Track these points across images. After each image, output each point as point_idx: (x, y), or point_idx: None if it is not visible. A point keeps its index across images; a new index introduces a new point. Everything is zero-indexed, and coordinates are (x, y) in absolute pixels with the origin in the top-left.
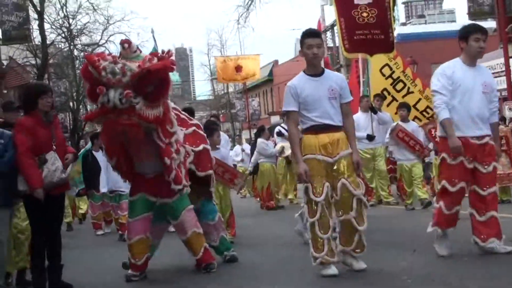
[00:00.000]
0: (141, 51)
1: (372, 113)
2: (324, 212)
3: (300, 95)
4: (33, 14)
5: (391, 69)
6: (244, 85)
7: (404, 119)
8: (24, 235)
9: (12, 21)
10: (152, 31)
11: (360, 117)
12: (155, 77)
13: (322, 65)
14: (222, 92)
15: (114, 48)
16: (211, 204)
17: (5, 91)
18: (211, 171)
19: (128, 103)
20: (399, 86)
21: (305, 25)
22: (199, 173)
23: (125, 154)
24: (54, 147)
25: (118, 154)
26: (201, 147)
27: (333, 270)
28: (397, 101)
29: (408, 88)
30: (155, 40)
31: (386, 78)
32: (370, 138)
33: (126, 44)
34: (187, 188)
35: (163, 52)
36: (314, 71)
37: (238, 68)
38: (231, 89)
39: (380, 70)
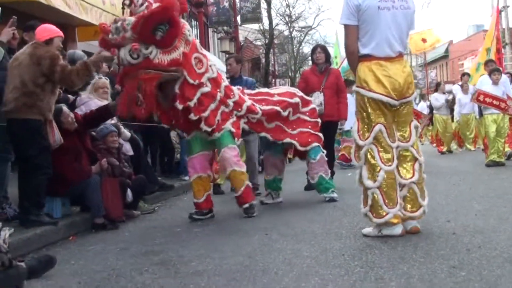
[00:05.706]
0: (150, 2)
1: None
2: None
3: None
4: (262, 4)
5: None
6: (424, 59)
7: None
8: None
9: (247, 7)
10: None
11: None
12: (157, 21)
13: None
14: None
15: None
16: (317, 146)
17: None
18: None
19: (142, 56)
20: None
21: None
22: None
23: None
24: (321, 88)
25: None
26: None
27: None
28: None
29: None
30: None
31: None
32: None
33: (127, 1)
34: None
35: None
36: None
37: (424, 40)
38: (413, 63)
39: None
